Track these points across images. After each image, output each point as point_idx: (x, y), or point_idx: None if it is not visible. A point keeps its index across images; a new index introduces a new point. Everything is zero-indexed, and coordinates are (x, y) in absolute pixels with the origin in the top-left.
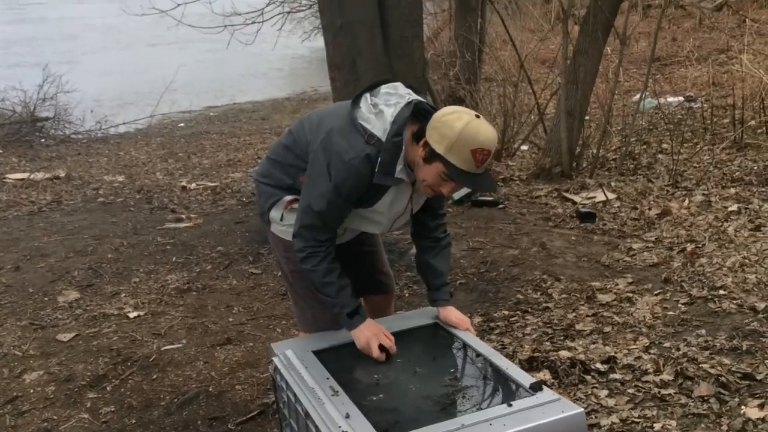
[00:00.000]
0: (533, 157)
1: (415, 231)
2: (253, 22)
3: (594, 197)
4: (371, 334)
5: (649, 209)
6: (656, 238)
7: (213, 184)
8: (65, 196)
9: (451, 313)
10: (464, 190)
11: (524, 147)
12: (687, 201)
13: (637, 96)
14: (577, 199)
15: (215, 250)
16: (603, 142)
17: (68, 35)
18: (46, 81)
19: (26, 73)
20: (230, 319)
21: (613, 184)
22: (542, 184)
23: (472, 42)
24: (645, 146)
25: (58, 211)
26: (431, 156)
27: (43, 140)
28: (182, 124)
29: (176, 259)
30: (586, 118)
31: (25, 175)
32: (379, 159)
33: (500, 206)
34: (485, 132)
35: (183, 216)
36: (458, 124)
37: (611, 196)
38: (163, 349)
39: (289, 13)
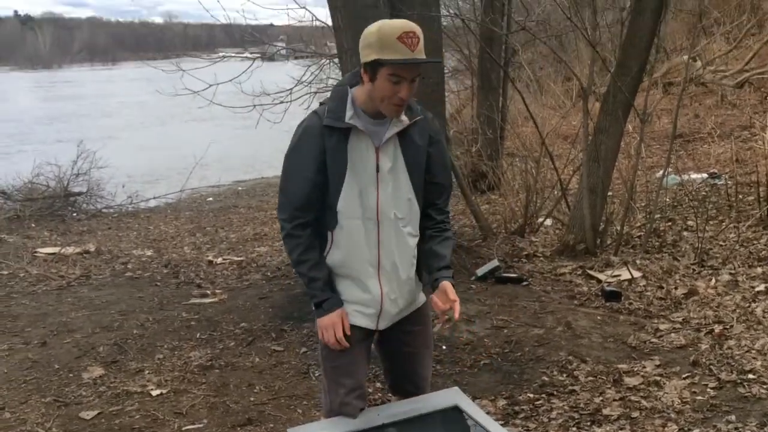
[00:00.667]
0: (557, 233)
1: (422, 225)
2: (281, 102)
3: (619, 275)
4: (330, 323)
5: (676, 288)
6: (683, 319)
7: (239, 258)
8: (94, 271)
9: (448, 288)
10: (488, 266)
11: (548, 222)
12: (713, 280)
13: (661, 172)
14: (602, 277)
15: (239, 327)
16: (627, 218)
17: (106, 112)
18: (80, 157)
19: (65, 149)
20: (251, 399)
21: (638, 261)
22: (566, 261)
23: (494, 119)
24: (670, 223)
25: (86, 285)
26: (372, 70)
27: (75, 214)
28: (211, 198)
29: (200, 336)
30: (609, 194)
31: (55, 250)
32: (326, 107)
33: (524, 283)
34: (400, 21)
35: (208, 291)
36: (374, 28)
37: (637, 274)
38: (184, 429)
39: (316, 93)
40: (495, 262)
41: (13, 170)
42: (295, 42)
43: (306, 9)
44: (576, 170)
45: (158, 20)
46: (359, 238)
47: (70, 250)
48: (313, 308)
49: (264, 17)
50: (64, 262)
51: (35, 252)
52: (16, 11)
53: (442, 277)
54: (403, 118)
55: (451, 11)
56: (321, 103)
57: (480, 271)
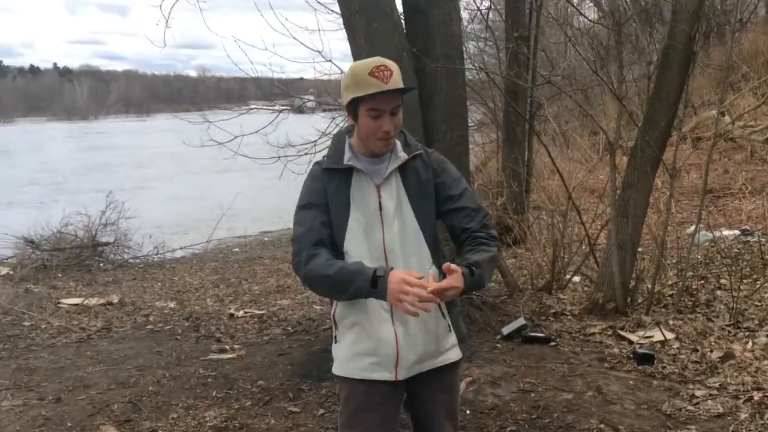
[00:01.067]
0: (585, 290)
1: (456, 240)
2: (306, 153)
3: (651, 336)
4: (396, 290)
5: (711, 351)
6: (720, 385)
7: (260, 312)
8: (116, 323)
9: (456, 273)
10: (514, 325)
11: (576, 279)
12: (750, 343)
13: (691, 228)
14: (633, 338)
15: (256, 385)
16: (658, 276)
17: (139, 163)
18: (108, 207)
19: (98, 199)
20: None
21: (671, 322)
22: (596, 320)
23: (519, 172)
24: (702, 281)
25: (106, 338)
26: (353, 111)
27: (102, 264)
28: (237, 249)
29: (216, 394)
30: (639, 250)
31: (79, 301)
32: (326, 155)
33: (552, 343)
34: (372, 58)
35: (227, 346)
36: (347, 71)
37: (669, 335)
38: None
39: None
40: (521, 321)
41: (44, 220)
42: (324, 95)
43: (332, 62)
44: (604, 225)
45: (192, 73)
46: None
47: (93, 301)
48: (371, 290)
49: (293, 71)
50: (87, 314)
51: (59, 303)
52: (55, 64)
53: (462, 265)
54: (401, 154)
55: (476, 64)
56: (324, 157)
57: (506, 330)
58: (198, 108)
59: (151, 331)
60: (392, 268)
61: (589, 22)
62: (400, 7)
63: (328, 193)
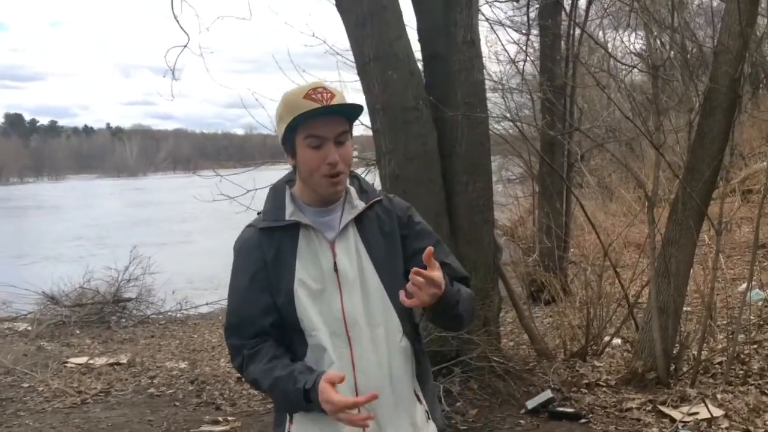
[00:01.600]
0: (624, 356)
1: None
2: None
3: (697, 413)
4: (330, 411)
5: None
6: None
7: None
8: (117, 386)
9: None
10: (540, 398)
11: (617, 341)
12: None
13: (743, 286)
14: (676, 415)
15: None
16: (705, 341)
17: (184, 218)
18: (132, 262)
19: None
20: None
21: (719, 396)
22: (634, 392)
23: (554, 228)
24: (755, 346)
25: (101, 403)
26: (290, 146)
27: (123, 320)
28: None
29: None
30: (687, 309)
31: (85, 360)
32: (262, 212)
33: (582, 420)
34: (307, 84)
35: (220, 418)
36: (279, 102)
37: (717, 412)
38: None
39: None
40: (548, 394)
41: (67, 275)
42: (366, 151)
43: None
44: (645, 285)
45: (239, 131)
46: (328, 360)
47: (100, 361)
48: (309, 406)
49: None
50: (90, 374)
51: (65, 362)
52: (108, 124)
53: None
54: (357, 202)
55: (508, 115)
56: (258, 213)
57: (530, 404)
58: (244, 164)
59: (151, 395)
60: (319, 375)
61: (623, 66)
62: (418, 54)
63: (268, 262)
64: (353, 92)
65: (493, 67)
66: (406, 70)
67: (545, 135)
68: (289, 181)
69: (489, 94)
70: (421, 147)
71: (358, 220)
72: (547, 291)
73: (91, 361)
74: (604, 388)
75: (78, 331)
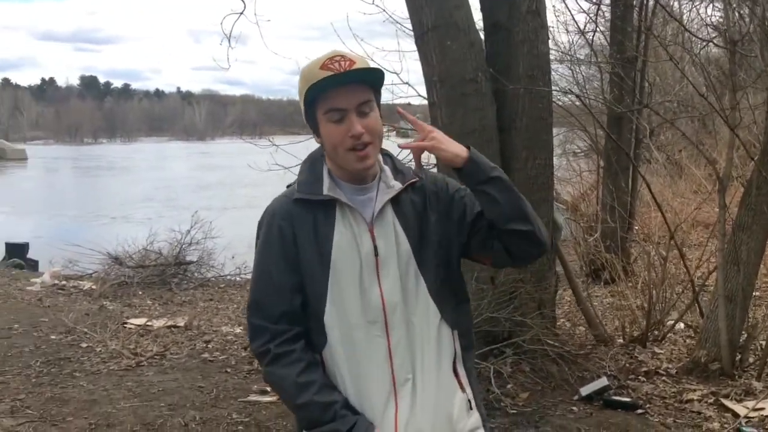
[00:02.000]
0: (686, 343)
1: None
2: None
3: (762, 408)
4: None
5: None
6: None
7: None
8: (172, 349)
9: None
10: (595, 385)
11: (681, 325)
12: None
13: None
14: (740, 409)
15: None
16: None
17: (253, 181)
18: (193, 226)
19: (202, 215)
20: None
21: None
22: (696, 383)
23: (617, 207)
24: None
25: (155, 366)
26: (312, 122)
27: (184, 283)
28: None
29: None
30: (755, 295)
31: (142, 321)
32: (295, 183)
33: (639, 411)
34: (321, 55)
35: (268, 388)
36: (299, 79)
37: None
38: None
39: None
40: (604, 381)
41: (133, 236)
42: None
43: (408, 84)
44: (713, 270)
45: None
46: (361, 353)
47: (159, 323)
48: None
49: (403, 96)
50: (148, 336)
51: (125, 323)
52: (178, 88)
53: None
54: (393, 182)
55: (574, 89)
56: (288, 186)
57: (585, 391)
58: (307, 131)
59: (205, 360)
60: (362, 421)
61: (699, 40)
62: (479, 24)
63: (298, 240)
64: (412, 62)
65: (562, 38)
66: (466, 40)
67: (612, 109)
68: (323, 154)
69: (556, 65)
70: (479, 121)
71: (395, 202)
72: (607, 271)
73: (149, 323)
74: (663, 377)
75: (140, 292)
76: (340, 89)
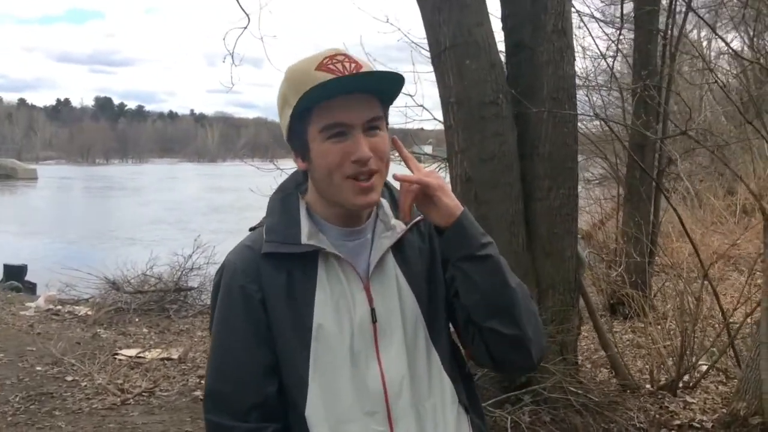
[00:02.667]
0: (719, 391)
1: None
2: None
3: None
4: None
5: None
6: None
7: None
8: (162, 384)
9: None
10: None
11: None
12: None
13: None
14: None
15: None
16: None
17: (262, 206)
18: (195, 251)
19: (210, 239)
20: None
21: None
22: None
23: (641, 239)
24: None
25: (141, 405)
26: (299, 141)
27: (183, 310)
28: None
29: None
30: None
31: (136, 352)
32: (263, 228)
33: None
34: (316, 53)
35: None
36: (282, 80)
37: None
38: None
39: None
40: None
41: (133, 260)
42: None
43: (423, 107)
44: (750, 313)
45: None
46: None
47: (151, 354)
48: None
49: (417, 120)
50: (138, 369)
51: (116, 354)
52: (192, 110)
53: None
54: (394, 222)
55: (594, 113)
56: (251, 229)
57: None
58: None
59: (196, 399)
60: None
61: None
62: (501, 45)
63: (268, 305)
64: (426, 86)
65: (578, 63)
66: (486, 60)
67: (634, 136)
68: (299, 185)
69: None
70: (498, 146)
71: (397, 247)
72: (627, 306)
73: (141, 354)
74: (699, 431)
75: (137, 319)
76: (345, 99)
